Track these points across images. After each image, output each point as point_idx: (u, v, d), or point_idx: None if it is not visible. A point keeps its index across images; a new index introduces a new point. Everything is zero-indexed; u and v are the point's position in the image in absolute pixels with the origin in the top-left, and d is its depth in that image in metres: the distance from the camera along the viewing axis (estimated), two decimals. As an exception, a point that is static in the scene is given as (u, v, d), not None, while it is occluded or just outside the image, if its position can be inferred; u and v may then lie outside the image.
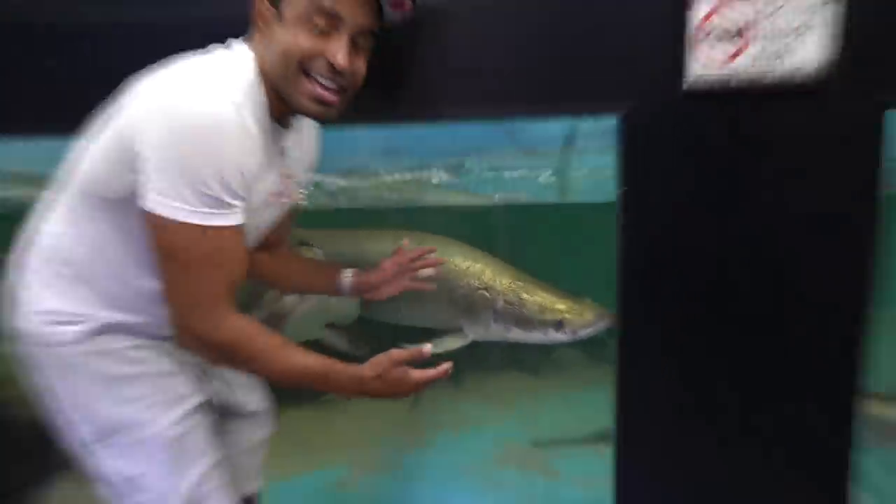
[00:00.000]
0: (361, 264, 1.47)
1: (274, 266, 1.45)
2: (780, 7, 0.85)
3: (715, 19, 0.89)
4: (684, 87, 0.91)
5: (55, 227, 1.16)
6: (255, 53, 1.10)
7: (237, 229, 1.05)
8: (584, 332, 1.67)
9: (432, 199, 2.10)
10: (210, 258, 1.04)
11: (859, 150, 1.03)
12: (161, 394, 1.19)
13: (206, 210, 1.00)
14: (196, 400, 1.23)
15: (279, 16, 1.06)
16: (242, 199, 1.05)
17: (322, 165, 1.35)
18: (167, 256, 1.03)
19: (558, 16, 0.96)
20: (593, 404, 2.13)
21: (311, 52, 1.04)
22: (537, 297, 1.69)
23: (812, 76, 0.93)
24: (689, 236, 1.01)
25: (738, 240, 1.03)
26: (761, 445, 1.19)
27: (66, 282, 1.15)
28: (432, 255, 1.47)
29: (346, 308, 1.97)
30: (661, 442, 1.21)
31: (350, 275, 1.46)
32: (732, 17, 0.88)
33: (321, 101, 1.06)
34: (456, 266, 1.81)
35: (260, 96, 1.07)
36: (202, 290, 1.05)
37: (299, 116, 1.17)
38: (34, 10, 1.19)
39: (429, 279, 1.45)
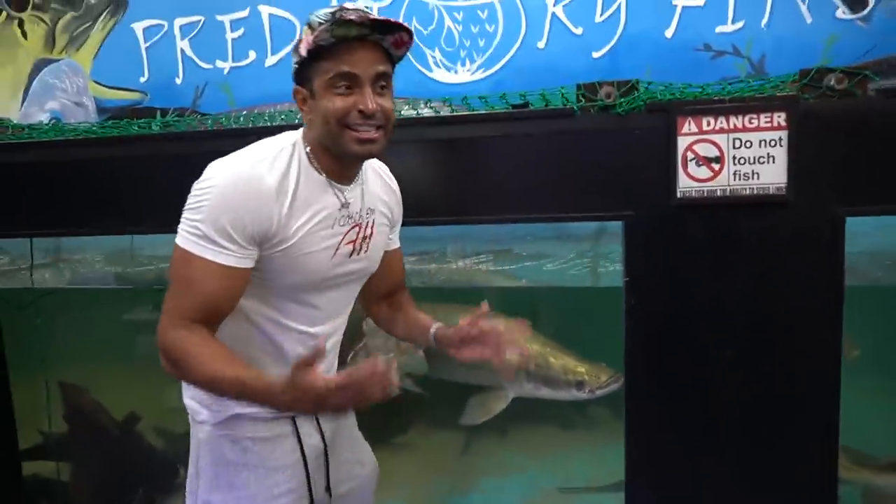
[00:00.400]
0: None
1: (387, 314, 1.61)
2: (748, 139, 1.11)
3: (698, 147, 1.16)
4: (676, 199, 1.17)
5: None
6: (308, 132, 1.32)
7: (224, 268, 1.21)
8: (601, 391, 1.95)
9: (484, 281, 2.46)
10: (189, 281, 1.21)
11: (824, 252, 1.25)
12: (264, 487, 1.32)
13: (201, 244, 1.20)
14: (298, 495, 1.36)
15: (312, 93, 1.28)
16: (243, 247, 1.22)
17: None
18: (169, 270, 1.24)
19: (583, 142, 1.26)
20: (619, 457, 2.34)
21: (344, 110, 1.24)
22: (562, 361, 2.00)
23: (777, 192, 1.17)
24: (680, 317, 1.24)
25: (722, 321, 1.25)
26: (756, 492, 1.37)
27: None
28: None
29: (417, 362, 2.28)
30: (666, 489, 1.41)
31: (436, 328, 1.51)
32: (709, 147, 1.15)
33: (364, 141, 1.25)
34: None
35: (303, 162, 1.29)
36: (174, 302, 1.22)
37: (362, 174, 1.37)
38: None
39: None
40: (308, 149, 1.31)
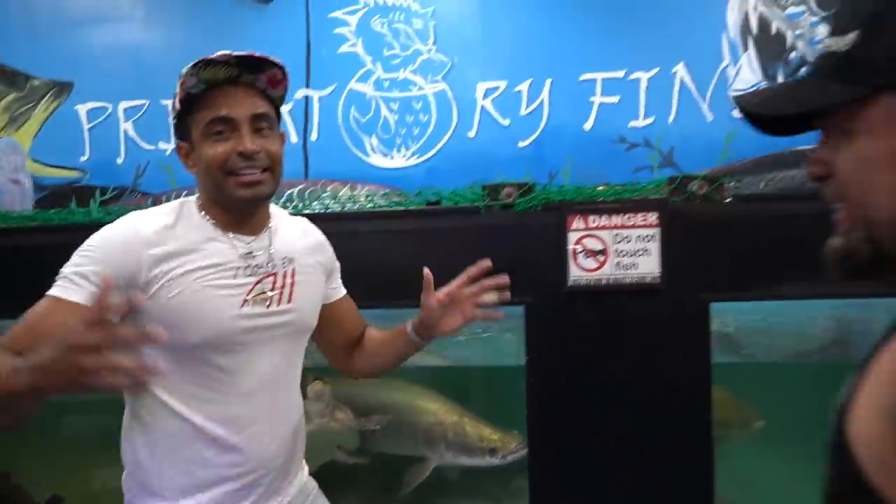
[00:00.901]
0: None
1: (360, 359, 1.50)
2: (626, 237, 1.31)
3: (585, 241, 1.36)
4: (567, 286, 1.35)
5: None
6: (198, 187, 1.28)
7: (69, 304, 1.11)
8: (511, 456, 2.10)
9: (420, 361, 2.65)
10: (26, 318, 1.13)
11: (693, 332, 1.45)
12: None
13: (57, 285, 1.15)
14: None
15: (192, 145, 1.24)
16: (98, 286, 1.08)
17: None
18: None
19: (487, 236, 1.44)
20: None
21: (224, 155, 1.20)
22: (477, 430, 2.16)
23: (653, 281, 1.37)
24: (576, 391, 1.40)
25: (611, 395, 1.41)
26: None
27: None
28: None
29: (349, 435, 2.38)
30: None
31: (411, 326, 1.42)
32: (595, 242, 1.35)
33: (249, 185, 1.20)
34: (422, 407, 2.26)
35: (191, 216, 1.25)
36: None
37: (270, 224, 1.31)
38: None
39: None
40: (199, 203, 1.28)
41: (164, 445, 1.22)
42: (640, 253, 1.36)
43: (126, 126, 3.52)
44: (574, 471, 1.46)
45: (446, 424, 2.25)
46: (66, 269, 1.16)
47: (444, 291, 1.36)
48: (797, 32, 3.15)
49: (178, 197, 3.41)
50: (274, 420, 1.29)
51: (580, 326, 1.29)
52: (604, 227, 1.34)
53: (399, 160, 3.44)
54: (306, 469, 1.46)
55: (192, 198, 1.30)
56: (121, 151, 3.53)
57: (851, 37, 0.65)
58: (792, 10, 3.14)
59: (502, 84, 3.33)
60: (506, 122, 3.35)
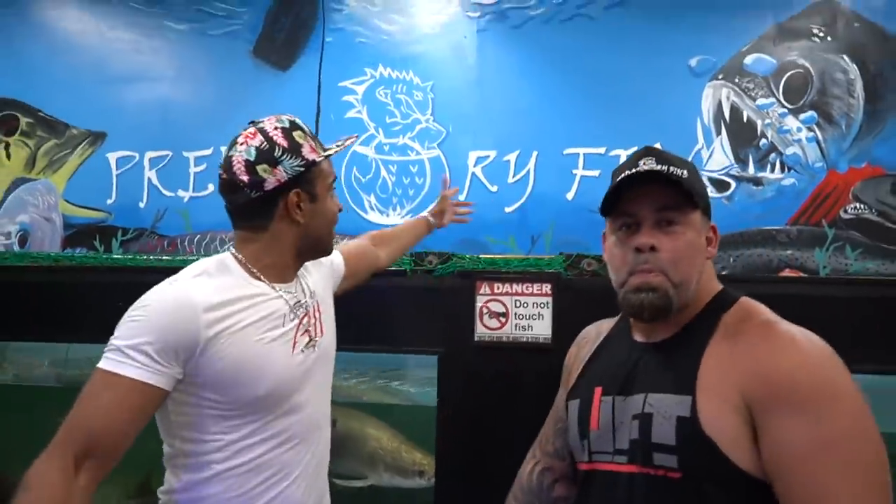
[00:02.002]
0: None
1: (386, 250, 1.76)
2: (525, 301, 1.61)
3: (490, 304, 1.67)
4: (474, 341, 1.65)
5: None
6: (271, 238, 1.26)
7: (126, 380, 1.08)
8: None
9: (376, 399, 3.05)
10: (83, 398, 1.09)
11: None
12: None
13: (109, 358, 1.10)
14: None
15: (313, 196, 1.28)
16: (156, 361, 1.09)
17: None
18: None
19: (413, 295, 1.76)
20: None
21: (337, 211, 1.36)
22: (411, 455, 2.45)
23: (545, 341, 1.66)
24: (479, 428, 1.66)
25: (509, 431, 1.66)
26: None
27: None
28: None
29: None
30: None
31: (430, 215, 1.98)
32: (498, 305, 1.67)
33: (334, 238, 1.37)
34: (369, 433, 2.59)
35: (237, 274, 1.23)
36: (60, 431, 1.08)
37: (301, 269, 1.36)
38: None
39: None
40: (240, 258, 1.27)
41: (219, 482, 1.21)
42: (535, 317, 1.65)
43: (150, 174, 3.99)
44: (476, 495, 1.72)
45: (387, 449, 2.58)
46: (119, 342, 1.11)
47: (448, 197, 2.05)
48: (766, 122, 3.48)
49: (192, 240, 3.85)
50: (315, 466, 1.33)
51: (484, 375, 1.57)
52: (506, 294, 1.66)
53: (394, 218, 3.82)
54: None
55: (226, 255, 1.28)
56: (143, 196, 3.99)
57: (685, 172, 1.05)
58: (762, 101, 3.48)
59: (492, 153, 3.71)
60: (494, 189, 3.71)
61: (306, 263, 1.38)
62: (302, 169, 1.24)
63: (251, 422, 1.21)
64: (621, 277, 1.09)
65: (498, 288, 1.66)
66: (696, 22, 3.55)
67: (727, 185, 3.51)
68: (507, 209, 3.72)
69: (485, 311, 1.68)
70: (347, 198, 3.84)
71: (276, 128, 1.25)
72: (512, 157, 3.69)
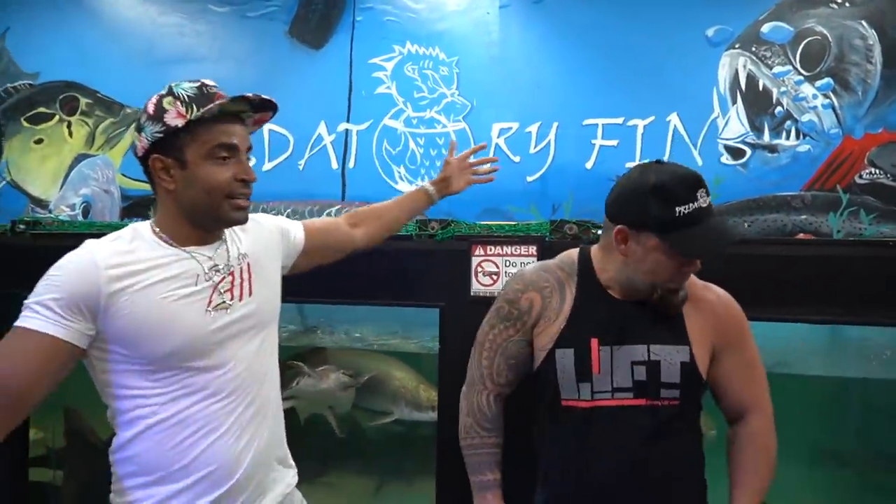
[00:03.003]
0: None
1: (369, 228, 1.75)
2: (514, 261, 1.87)
3: (484, 264, 1.94)
4: (470, 296, 1.91)
5: None
6: (162, 204, 1.29)
7: (30, 333, 1.15)
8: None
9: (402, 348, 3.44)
10: (1, 345, 1.17)
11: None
12: None
13: (23, 315, 1.16)
14: None
15: (182, 163, 1.25)
16: (62, 316, 1.16)
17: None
18: None
19: (418, 256, 2.02)
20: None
21: (227, 180, 1.27)
22: (427, 393, 2.80)
23: None
24: None
25: None
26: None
27: None
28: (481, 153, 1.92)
29: (344, 398, 3.08)
30: None
31: (430, 185, 1.85)
32: (491, 265, 1.93)
33: (241, 209, 1.31)
34: (393, 373, 2.98)
35: (145, 239, 1.28)
36: None
37: (227, 233, 1.38)
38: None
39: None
40: (154, 224, 1.32)
41: (148, 438, 1.28)
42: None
43: (197, 149, 4.36)
44: None
45: (407, 388, 2.98)
46: (29, 300, 1.18)
47: (458, 157, 1.88)
48: (782, 90, 3.61)
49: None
50: (250, 419, 1.35)
51: (479, 325, 1.81)
52: (497, 255, 1.92)
53: (422, 188, 4.11)
54: (291, 473, 1.51)
55: (145, 222, 1.34)
56: (191, 170, 4.37)
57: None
58: (778, 69, 3.61)
59: (515, 125, 3.94)
60: (516, 159, 3.95)
61: (236, 227, 1.41)
62: (161, 135, 1.25)
63: (169, 377, 1.26)
64: (663, 280, 1.40)
65: (490, 250, 1.93)
66: (714, -8, 3.68)
67: (742, 153, 3.66)
68: (529, 178, 3.95)
69: (479, 270, 1.95)
70: (379, 169, 4.13)
71: (155, 95, 1.30)
72: (533, 128, 3.91)
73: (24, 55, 4.64)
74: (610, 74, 3.81)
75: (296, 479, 1.51)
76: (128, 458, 1.29)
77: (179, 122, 1.24)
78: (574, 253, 1.52)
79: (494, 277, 1.97)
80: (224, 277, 1.33)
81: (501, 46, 3.96)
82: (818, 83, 3.56)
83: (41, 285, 1.20)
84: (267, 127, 4.23)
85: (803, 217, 3.58)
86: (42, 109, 4.55)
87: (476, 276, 1.96)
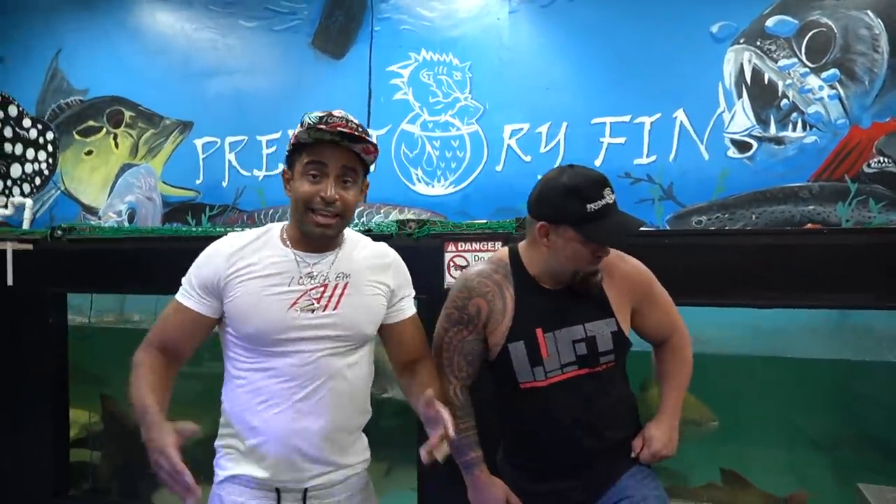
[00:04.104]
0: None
1: (406, 382, 1.69)
2: (482, 256, 2.05)
3: (456, 259, 2.14)
4: (445, 288, 2.10)
5: None
6: (290, 210, 1.56)
7: (180, 305, 1.55)
8: None
9: None
10: (163, 315, 1.59)
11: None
12: None
13: (180, 291, 1.58)
14: None
15: (292, 176, 1.53)
16: (199, 294, 1.54)
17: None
18: None
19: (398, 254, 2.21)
20: None
21: (308, 194, 1.48)
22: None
23: None
24: None
25: None
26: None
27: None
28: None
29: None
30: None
31: (422, 400, 1.48)
32: (461, 259, 2.12)
33: (320, 226, 1.50)
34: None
35: (271, 238, 1.57)
36: (152, 328, 1.58)
37: (338, 248, 1.59)
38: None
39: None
40: (284, 226, 1.60)
41: (235, 398, 1.58)
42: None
43: (230, 156, 4.68)
44: None
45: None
46: (183, 279, 1.59)
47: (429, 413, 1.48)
48: (788, 82, 3.68)
49: (266, 214, 4.53)
50: (311, 407, 1.54)
51: None
52: (468, 251, 2.11)
53: (439, 189, 4.32)
54: (359, 474, 1.67)
55: (280, 224, 1.62)
56: (225, 176, 4.69)
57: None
58: (783, 62, 3.68)
59: (525, 126, 4.10)
60: (528, 159, 4.12)
61: (363, 251, 1.63)
62: (288, 153, 1.55)
63: (253, 352, 1.54)
64: (579, 265, 1.65)
65: (461, 246, 2.14)
66: (718, -11, 3.76)
67: (749, 146, 3.74)
68: (540, 177, 4.09)
69: (451, 264, 2.17)
70: (397, 171, 4.37)
71: None
72: (544, 128, 4.07)
73: (75, 73, 5.06)
74: (617, 74, 3.93)
75: (361, 468, 1.68)
76: (224, 408, 1.60)
77: (292, 143, 1.54)
78: (504, 253, 1.75)
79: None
80: (316, 286, 1.55)
81: (512, 50, 4.12)
82: (824, 74, 3.61)
83: (191, 267, 1.60)
84: (293, 133, 4.50)
85: (811, 207, 3.64)
86: (91, 123, 4.96)
87: (448, 269, 2.17)
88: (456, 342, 1.74)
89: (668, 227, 3.84)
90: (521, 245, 1.72)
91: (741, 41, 3.73)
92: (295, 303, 1.51)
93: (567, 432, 1.68)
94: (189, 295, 1.55)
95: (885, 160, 3.52)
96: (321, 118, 1.47)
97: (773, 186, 3.71)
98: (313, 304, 1.52)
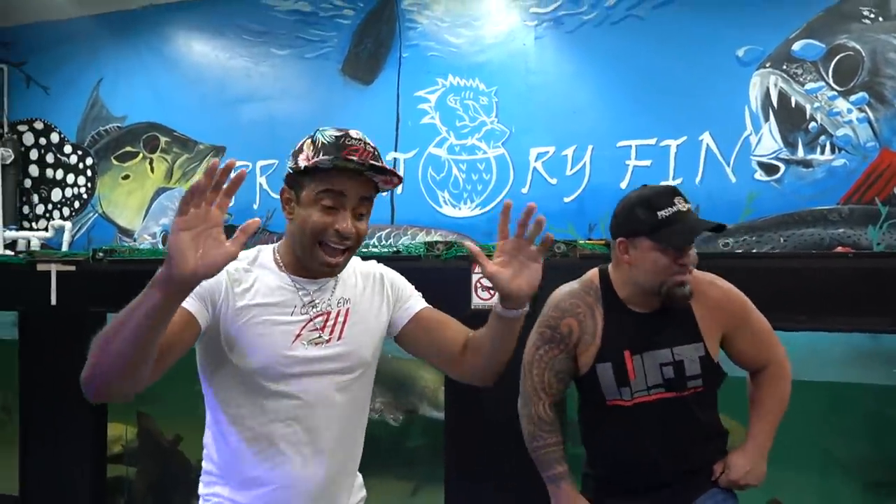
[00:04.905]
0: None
1: (471, 357, 1.48)
2: None
3: (483, 281, 2.20)
4: (471, 309, 2.18)
5: None
6: (286, 233, 1.38)
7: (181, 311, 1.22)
8: None
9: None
10: None
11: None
12: None
13: None
14: None
15: (298, 200, 1.33)
16: (192, 296, 1.21)
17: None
18: None
19: (425, 274, 2.29)
20: None
21: (323, 226, 1.31)
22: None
23: (524, 311, 2.16)
24: None
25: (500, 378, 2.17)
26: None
27: None
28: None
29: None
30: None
31: (496, 301, 1.40)
32: (487, 281, 2.19)
33: (329, 265, 1.34)
34: (418, 374, 3.32)
35: (265, 263, 1.39)
36: None
37: (345, 271, 1.43)
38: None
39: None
40: (276, 248, 1.42)
41: (227, 447, 1.41)
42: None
43: (261, 179, 4.82)
44: (475, 420, 2.19)
45: (430, 388, 3.24)
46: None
47: (496, 257, 1.33)
48: (815, 105, 3.71)
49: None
50: (317, 451, 1.41)
51: None
52: (494, 272, 2.21)
53: (465, 211, 4.40)
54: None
55: (269, 246, 1.44)
56: (256, 199, 4.83)
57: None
58: (810, 85, 3.71)
59: (551, 149, 4.18)
60: (553, 181, 4.18)
61: (355, 274, 1.49)
62: (291, 171, 1.35)
63: (252, 394, 1.37)
64: (661, 278, 1.66)
65: (488, 267, 2.21)
66: (743, 13, 3.82)
67: (776, 169, 3.76)
68: (566, 199, 4.17)
69: (478, 286, 2.23)
70: (424, 194, 4.45)
71: (307, 136, 1.39)
72: (569, 151, 4.14)
73: (114, 101, 5.27)
74: (642, 97, 3.99)
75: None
76: (211, 456, 1.45)
77: (304, 164, 1.31)
78: (594, 274, 1.81)
79: (492, 292, 2.23)
80: (319, 315, 1.41)
81: (537, 75, 4.22)
82: (852, 98, 3.64)
83: None
84: (323, 158, 4.62)
85: (841, 230, 3.64)
86: (128, 148, 5.16)
87: (475, 290, 2.23)
88: (547, 360, 1.79)
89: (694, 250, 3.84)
90: (609, 268, 1.79)
91: (767, 65, 3.78)
92: (299, 334, 1.38)
93: (649, 453, 1.73)
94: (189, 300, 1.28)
95: (917, 183, 3.53)
96: (338, 139, 1.33)
97: (802, 209, 3.72)
98: (318, 334, 1.40)
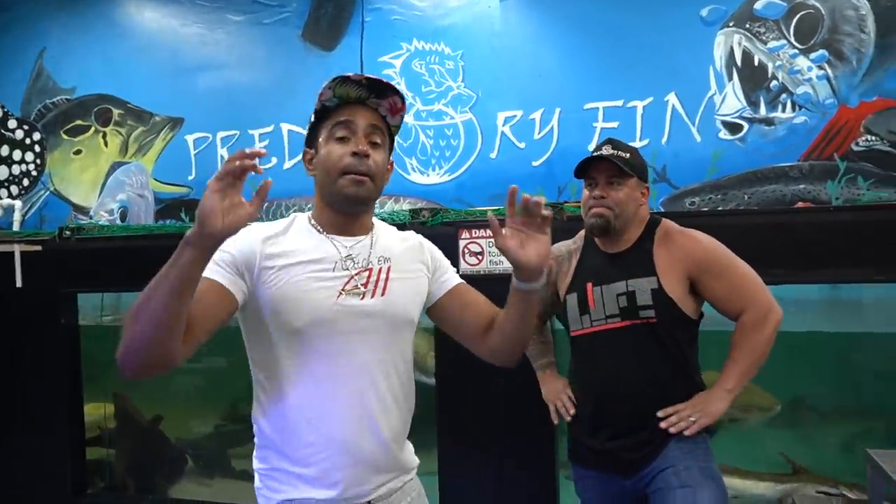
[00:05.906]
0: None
1: (493, 337, 1.49)
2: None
3: (470, 246, 2.21)
4: (459, 274, 2.18)
5: None
6: (315, 193, 1.43)
7: (208, 280, 1.25)
8: None
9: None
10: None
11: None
12: None
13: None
14: None
15: (317, 151, 1.41)
16: (227, 270, 1.30)
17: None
18: None
19: None
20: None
21: (341, 155, 1.35)
22: (433, 360, 3.12)
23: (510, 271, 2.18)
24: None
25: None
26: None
27: None
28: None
29: None
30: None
31: (513, 280, 1.40)
32: (475, 246, 2.19)
33: (356, 182, 1.35)
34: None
35: (300, 225, 1.42)
36: None
37: (371, 232, 1.45)
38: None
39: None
40: (310, 215, 1.45)
41: (277, 417, 1.39)
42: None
43: (222, 151, 4.71)
44: (466, 383, 2.23)
45: (419, 354, 3.28)
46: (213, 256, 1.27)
47: (506, 230, 1.36)
48: (777, 64, 3.78)
49: (260, 208, 4.57)
50: (365, 410, 1.39)
51: None
52: (481, 237, 2.19)
53: (434, 178, 4.38)
54: (411, 473, 1.56)
55: (304, 213, 1.48)
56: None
57: (628, 154, 1.86)
58: (773, 44, 3.77)
59: (519, 113, 4.17)
60: (522, 145, 4.19)
61: (393, 237, 1.51)
62: (308, 131, 1.44)
63: (301, 357, 1.36)
64: (585, 212, 1.89)
65: (475, 233, 2.20)
66: (707, -28, 3.84)
67: (740, 128, 3.84)
68: (535, 163, 4.18)
69: (466, 251, 2.23)
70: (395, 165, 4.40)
71: None
72: (537, 115, 4.14)
73: (61, 72, 5.05)
74: (608, 59, 4.01)
75: (414, 472, 1.58)
76: (262, 427, 1.42)
77: (312, 116, 1.42)
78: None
79: (479, 257, 2.25)
80: (361, 271, 1.42)
81: (503, 38, 4.19)
82: (813, 55, 3.71)
83: (220, 248, 1.27)
84: (286, 127, 4.56)
85: (802, 186, 3.75)
86: (79, 122, 4.96)
87: (463, 256, 2.24)
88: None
89: (662, 209, 3.91)
90: None
91: (731, 24, 3.82)
92: (343, 288, 1.38)
93: (611, 383, 1.87)
94: (215, 270, 1.31)
95: (873, 138, 3.64)
96: (335, 78, 1.36)
97: (765, 166, 3.81)
98: (360, 288, 1.40)
